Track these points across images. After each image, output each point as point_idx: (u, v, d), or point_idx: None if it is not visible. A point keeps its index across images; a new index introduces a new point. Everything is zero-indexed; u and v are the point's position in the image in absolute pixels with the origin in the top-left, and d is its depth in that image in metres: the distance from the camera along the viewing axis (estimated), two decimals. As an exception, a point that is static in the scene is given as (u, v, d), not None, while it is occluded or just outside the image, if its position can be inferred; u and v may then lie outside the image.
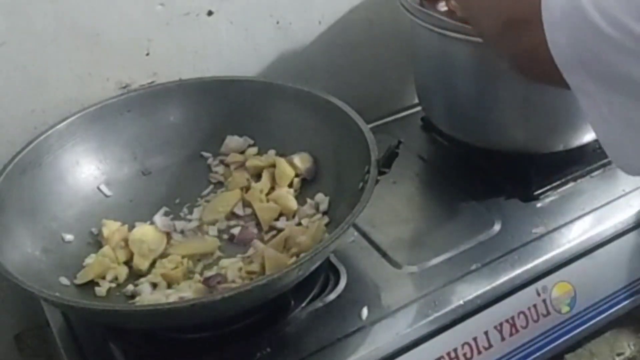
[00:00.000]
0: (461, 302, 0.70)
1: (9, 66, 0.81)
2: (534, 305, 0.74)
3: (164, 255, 0.75)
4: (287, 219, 0.79)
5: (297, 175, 0.82)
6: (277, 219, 0.79)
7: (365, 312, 0.69)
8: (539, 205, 0.84)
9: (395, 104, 1.07)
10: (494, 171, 0.89)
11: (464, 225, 0.80)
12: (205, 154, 0.86)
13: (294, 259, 0.70)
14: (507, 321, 0.73)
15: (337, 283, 0.73)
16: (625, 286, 0.81)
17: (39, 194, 0.75)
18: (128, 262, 0.75)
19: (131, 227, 0.77)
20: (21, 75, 0.82)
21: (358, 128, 0.74)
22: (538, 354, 0.76)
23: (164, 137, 0.84)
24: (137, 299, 0.69)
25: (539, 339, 0.75)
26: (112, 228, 0.76)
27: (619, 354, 0.83)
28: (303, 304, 0.70)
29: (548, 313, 0.75)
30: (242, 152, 0.86)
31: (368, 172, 0.69)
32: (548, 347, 0.77)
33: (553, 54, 0.49)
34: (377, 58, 1.05)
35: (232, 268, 0.71)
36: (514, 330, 0.74)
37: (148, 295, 0.69)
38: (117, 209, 0.80)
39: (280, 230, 0.77)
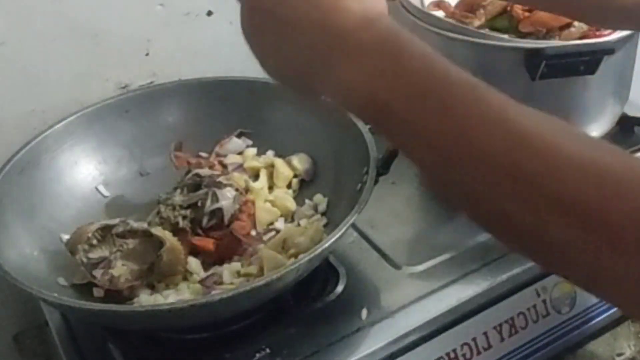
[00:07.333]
0: (460, 302, 0.70)
1: (9, 66, 0.81)
2: (534, 306, 0.74)
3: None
4: (286, 220, 0.79)
5: (295, 176, 0.82)
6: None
7: (364, 312, 0.69)
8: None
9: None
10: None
11: (464, 226, 0.80)
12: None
13: (292, 259, 0.70)
14: (506, 322, 0.73)
15: (336, 284, 0.72)
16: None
17: (37, 194, 0.75)
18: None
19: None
20: (21, 75, 0.82)
21: (357, 129, 0.74)
22: (538, 354, 0.76)
23: (162, 138, 0.84)
24: (135, 300, 0.69)
25: (538, 340, 0.75)
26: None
27: (619, 355, 0.83)
28: (302, 305, 0.70)
29: (548, 314, 0.75)
30: (241, 153, 0.85)
31: (367, 172, 0.69)
32: (548, 348, 0.77)
33: None
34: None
35: (230, 269, 0.71)
36: (513, 331, 0.74)
37: (146, 296, 0.69)
38: (115, 210, 0.80)
39: (278, 231, 0.77)
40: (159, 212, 0.74)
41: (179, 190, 0.76)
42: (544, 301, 0.75)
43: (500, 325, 0.73)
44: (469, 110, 0.38)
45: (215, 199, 0.74)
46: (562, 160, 0.35)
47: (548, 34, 0.84)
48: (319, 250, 0.62)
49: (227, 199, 0.74)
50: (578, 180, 0.35)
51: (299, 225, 0.77)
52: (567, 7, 0.69)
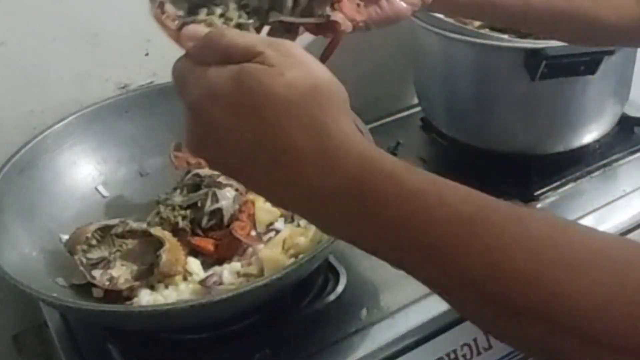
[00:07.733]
0: (461, 303, 0.70)
1: (9, 66, 0.81)
2: (534, 306, 0.74)
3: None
4: (286, 220, 0.78)
5: (296, 176, 0.81)
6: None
7: (364, 313, 0.69)
8: (539, 205, 0.84)
9: (395, 104, 1.07)
10: (494, 172, 0.89)
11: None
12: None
13: (292, 260, 0.70)
14: (507, 322, 0.73)
15: (336, 284, 0.72)
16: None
17: (36, 195, 0.75)
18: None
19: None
20: (20, 76, 0.82)
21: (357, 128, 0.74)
22: (538, 355, 0.75)
23: (162, 138, 0.84)
24: (135, 300, 0.69)
25: (538, 340, 0.75)
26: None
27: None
28: (302, 305, 0.70)
29: (548, 314, 0.75)
30: (241, 153, 0.85)
31: (367, 172, 0.69)
32: (548, 349, 0.77)
33: None
34: (377, 58, 1.05)
35: (230, 269, 0.71)
36: (513, 332, 0.73)
37: (146, 296, 0.69)
38: (115, 210, 0.79)
39: (278, 231, 0.76)
40: (158, 213, 0.74)
41: (178, 191, 0.76)
42: (544, 301, 0.75)
43: (501, 325, 0.73)
44: (458, 252, 0.35)
45: (215, 199, 0.74)
46: (573, 297, 0.33)
47: (548, 34, 0.83)
48: (319, 250, 0.62)
49: (227, 199, 0.74)
50: (595, 316, 0.33)
51: (299, 225, 0.77)
52: (546, 29, 0.68)
